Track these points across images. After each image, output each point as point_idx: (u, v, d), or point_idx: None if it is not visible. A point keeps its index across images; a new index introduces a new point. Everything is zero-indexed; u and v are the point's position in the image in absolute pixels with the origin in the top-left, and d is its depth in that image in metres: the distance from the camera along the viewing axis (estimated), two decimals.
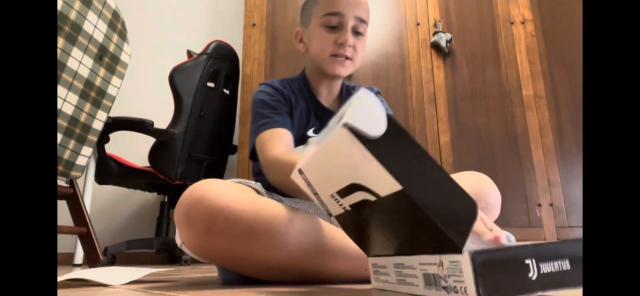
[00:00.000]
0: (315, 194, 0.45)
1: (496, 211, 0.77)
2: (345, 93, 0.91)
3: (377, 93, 0.96)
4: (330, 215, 0.47)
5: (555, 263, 0.32)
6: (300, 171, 0.43)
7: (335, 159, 0.37)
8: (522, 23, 1.86)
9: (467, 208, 0.33)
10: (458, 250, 0.32)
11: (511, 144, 1.72)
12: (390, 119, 0.34)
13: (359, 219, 0.43)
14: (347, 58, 0.82)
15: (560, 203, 1.64)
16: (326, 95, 0.89)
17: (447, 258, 0.33)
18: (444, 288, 0.34)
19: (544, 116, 1.74)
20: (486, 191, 0.74)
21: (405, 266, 0.40)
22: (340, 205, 0.43)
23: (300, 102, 0.87)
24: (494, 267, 0.30)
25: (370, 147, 0.33)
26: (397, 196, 0.34)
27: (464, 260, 0.31)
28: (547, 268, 0.32)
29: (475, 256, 0.30)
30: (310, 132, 0.85)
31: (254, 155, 0.81)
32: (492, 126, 1.75)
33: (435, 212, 0.33)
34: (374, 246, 0.46)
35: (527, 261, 0.31)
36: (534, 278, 0.31)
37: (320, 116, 0.86)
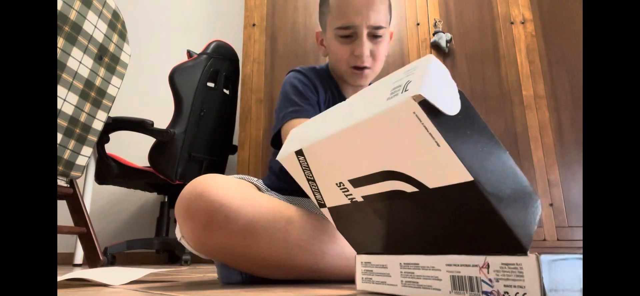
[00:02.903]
0: (310, 180, 0.40)
1: None
2: None
3: None
4: (324, 205, 0.43)
5: None
6: (299, 153, 0.38)
7: (375, 139, 0.31)
8: (522, 23, 1.86)
9: (534, 205, 0.30)
10: (522, 251, 0.28)
11: (511, 144, 1.72)
12: (462, 96, 0.29)
13: (368, 212, 0.38)
14: (366, 67, 0.79)
15: (560, 203, 1.64)
16: (353, 93, 0.88)
17: (497, 260, 0.29)
18: (487, 293, 0.30)
19: (544, 116, 1.74)
20: None
21: (421, 267, 0.35)
22: (347, 195, 0.38)
23: (329, 95, 0.85)
24: (560, 272, 0.28)
25: (442, 127, 0.27)
26: (457, 188, 0.29)
27: (528, 262, 0.28)
28: None
29: (543, 258, 0.27)
30: None
31: (275, 141, 0.78)
32: (492, 126, 1.74)
33: (505, 207, 0.28)
34: (376, 242, 0.41)
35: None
36: None
37: None
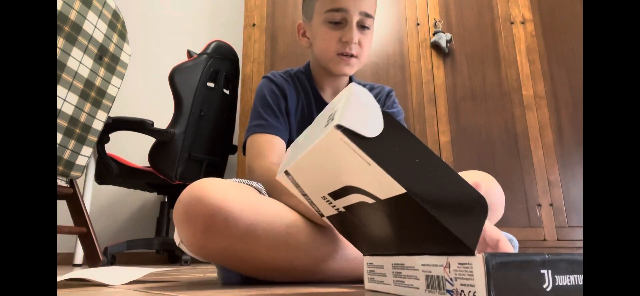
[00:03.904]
0: (304, 195, 0.43)
1: (500, 213, 0.76)
2: None
3: (389, 93, 0.92)
4: (322, 215, 0.46)
5: (571, 277, 0.30)
6: (286, 173, 0.41)
7: (327, 161, 0.34)
8: (522, 23, 1.86)
9: (477, 207, 0.31)
10: (469, 252, 0.30)
11: (511, 144, 1.72)
12: (386, 116, 0.32)
13: (355, 220, 0.41)
14: (352, 56, 0.79)
15: (560, 203, 1.64)
16: (331, 93, 0.87)
17: (455, 260, 0.31)
18: (449, 291, 0.32)
19: (544, 116, 1.74)
20: (490, 191, 0.72)
21: (406, 267, 0.38)
22: (333, 207, 0.41)
23: (302, 99, 0.85)
24: (508, 272, 0.28)
25: (367, 149, 0.30)
26: (400, 198, 0.31)
27: (476, 262, 0.29)
28: (562, 281, 0.30)
29: (489, 258, 0.28)
30: None
31: (245, 149, 0.80)
32: (492, 126, 1.74)
33: (443, 213, 0.30)
34: (372, 245, 0.44)
35: (543, 271, 0.30)
36: (548, 289, 0.29)
37: None
